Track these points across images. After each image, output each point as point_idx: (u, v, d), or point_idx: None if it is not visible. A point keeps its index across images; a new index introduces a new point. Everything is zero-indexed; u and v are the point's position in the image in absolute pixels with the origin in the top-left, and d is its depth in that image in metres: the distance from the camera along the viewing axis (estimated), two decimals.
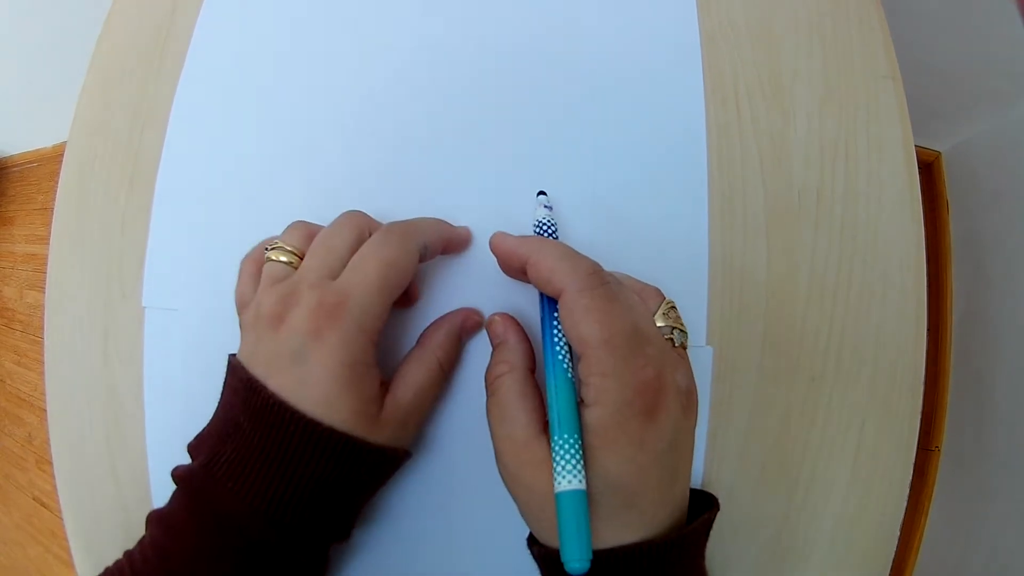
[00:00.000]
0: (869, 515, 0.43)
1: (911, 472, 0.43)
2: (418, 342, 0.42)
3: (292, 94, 0.53)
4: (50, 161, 2.15)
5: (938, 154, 1.33)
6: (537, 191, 0.45)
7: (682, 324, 0.36)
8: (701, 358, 0.43)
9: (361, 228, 0.40)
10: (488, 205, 0.46)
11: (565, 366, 0.34)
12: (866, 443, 0.43)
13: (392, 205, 0.47)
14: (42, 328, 0.53)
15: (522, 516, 0.35)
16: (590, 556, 0.29)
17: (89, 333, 0.51)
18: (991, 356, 1.15)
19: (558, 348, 0.35)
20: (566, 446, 0.31)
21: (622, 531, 0.32)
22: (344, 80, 0.52)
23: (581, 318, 0.32)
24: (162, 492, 0.46)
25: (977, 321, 1.21)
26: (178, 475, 0.36)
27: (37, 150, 2.18)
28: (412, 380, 0.39)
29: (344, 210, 0.42)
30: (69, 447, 0.50)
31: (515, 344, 0.38)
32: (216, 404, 0.39)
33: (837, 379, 0.44)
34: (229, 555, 0.34)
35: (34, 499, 1.89)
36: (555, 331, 0.35)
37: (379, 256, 0.37)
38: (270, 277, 0.39)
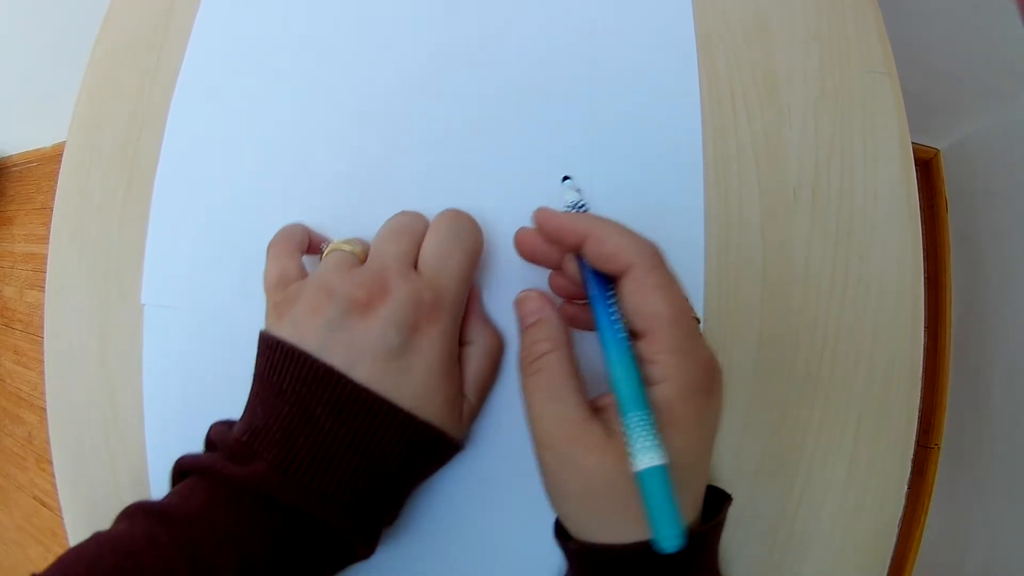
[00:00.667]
0: (867, 512, 0.43)
1: (909, 469, 0.43)
2: (480, 339, 0.41)
3: (290, 93, 0.53)
4: (49, 161, 2.15)
5: (937, 151, 1.33)
6: (562, 176, 0.45)
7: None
8: None
9: (426, 223, 0.40)
10: (485, 205, 0.46)
11: (629, 343, 0.33)
12: (863, 440, 0.43)
13: (389, 204, 0.47)
14: (42, 327, 0.53)
15: (559, 506, 0.34)
16: (684, 531, 0.28)
17: (88, 332, 0.51)
18: (991, 353, 1.15)
19: (617, 326, 0.33)
20: (642, 423, 0.30)
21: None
22: (342, 80, 0.52)
23: (652, 294, 0.32)
24: (161, 490, 0.46)
25: (976, 318, 1.21)
26: (236, 477, 0.33)
27: (36, 149, 2.18)
28: (481, 378, 0.40)
29: (342, 208, 0.42)
30: (69, 446, 0.50)
31: (557, 321, 0.36)
32: (223, 396, 0.38)
33: (834, 375, 0.44)
34: (289, 562, 0.33)
35: (34, 498, 1.89)
36: (611, 309, 0.34)
37: (462, 247, 0.38)
38: (341, 262, 0.38)
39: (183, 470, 0.36)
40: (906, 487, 0.43)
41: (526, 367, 0.35)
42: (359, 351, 0.34)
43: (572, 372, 0.34)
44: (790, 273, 0.45)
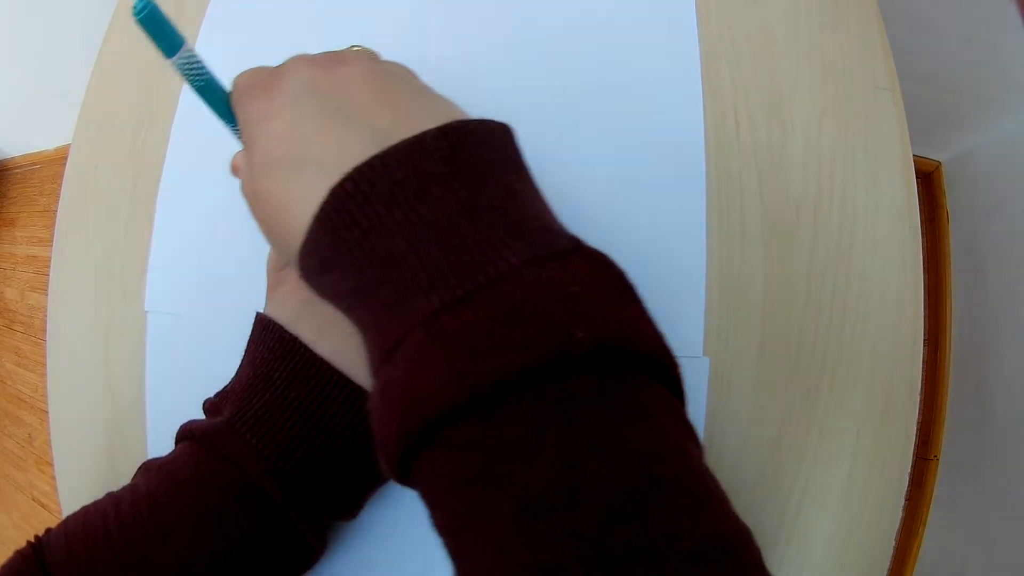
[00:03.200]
0: (864, 525, 0.43)
1: (906, 483, 0.43)
2: None
3: None
4: (52, 163, 2.15)
5: (938, 164, 1.33)
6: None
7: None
8: (697, 369, 0.43)
9: None
10: None
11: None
12: (862, 454, 0.43)
13: None
14: (43, 330, 0.53)
15: (272, 240, 0.30)
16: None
17: (91, 336, 0.52)
18: (990, 364, 1.15)
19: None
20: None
21: (310, 197, 0.25)
22: None
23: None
24: None
25: (976, 330, 1.21)
26: (191, 429, 0.36)
27: (39, 152, 2.18)
28: None
29: None
30: (70, 449, 0.50)
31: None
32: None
33: (833, 390, 0.44)
34: (231, 516, 0.33)
35: (33, 500, 1.89)
36: None
37: None
38: None
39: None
40: (903, 501, 0.43)
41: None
42: (328, 325, 0.35)
43: None
44: (791, 289, 0.45)
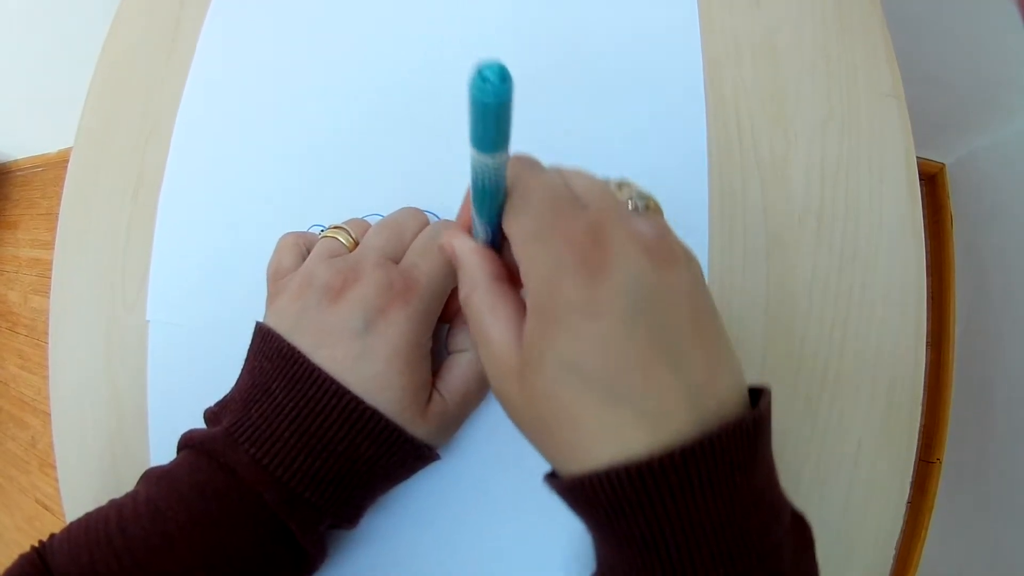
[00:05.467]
0: (866, 532, 0.43)
1: (908, 491, 0.43)
2: (464, 342, 0.40)
3: (297, 105, 0.53)
4: (55, 166, 2.16)
5: (942, 166, 1.33)
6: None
7: (640, 190, 0.32)
8: None
9: (422, 222, 0.40)
10: None
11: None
12: (863, 463, 0.43)
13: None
14: (46, 333, 0.53)
15: (533, 437, 0.30)
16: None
17: (93, 343, 0.52)
18: (994, 368, 1.15)
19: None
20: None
21: (619, 438, 0.25)
22: (350, 91, 0.52)
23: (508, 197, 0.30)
24: None
25: (980, 332, 1.21)
26: (191, 438, 0.36)
27: (42, 155, 2.19)
28: (463, 383, 0.38)
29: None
30: (73, 453, 0.51)
31: (472, 258, 0.32)
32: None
33: (835, 400, 0.43)
34: (230, 524, 0.33)
35: (36, 501, 1.90)
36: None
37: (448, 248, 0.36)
38: (326, 251, 0.39)
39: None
40: (904, 507, 0.43)
41: (462, 301, 0.32)
42: (325, 334, 0.35)
43: (496, 301, 0.30)
44: (793, 299, 0.45)
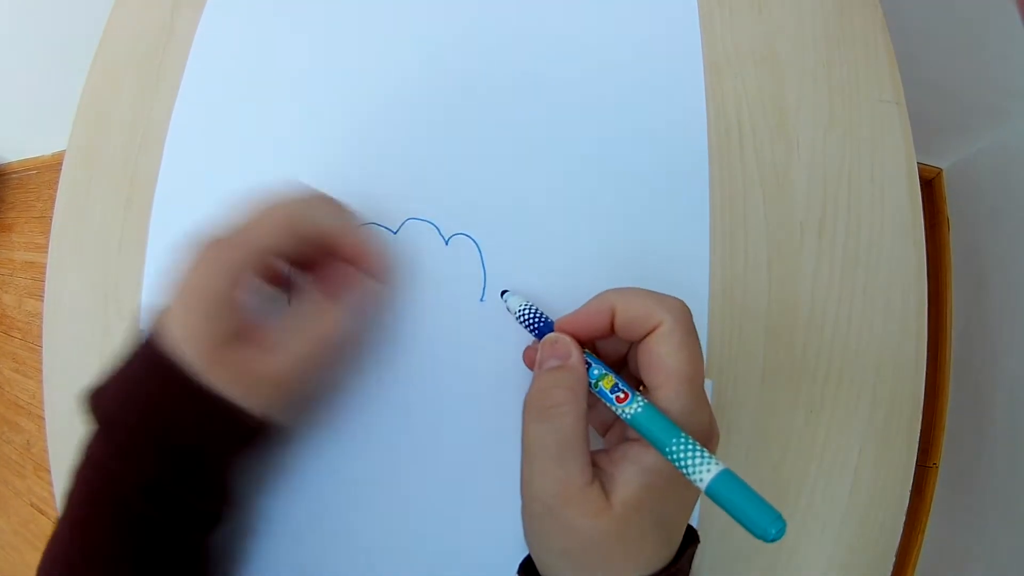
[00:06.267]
0: (866, 539, 0.43)
1: (908, 497, 0.43)
2: (317, 313, 0.40)
3: (290, 111, 0.53)
4: (49, 169, 2.15)
5: (939, 171, 1.33)
6: (500, 291, 0.44)
7: None
8: None
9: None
10: (484, 238, 0.46)
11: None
12: (864, 471, 0.43)
13: (394, 220, 0.47)
14: (40, 337, 0.53)
15: (540, 556, 0.34)
16: (778, 513, 0.28)
17: (86, 350, 0.51)
18: (990, 371, 1.15)
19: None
20: (689, 446, 0.29)
21: (654, 556, 0.32)
22: (343, 98, 0.52)
23: (676, 350, 0.32)
24: None
25: (977, 336, 1.21)
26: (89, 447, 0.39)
27: (37, 157, 2.18)
28: (294, 348, 0.38)
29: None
30: (68, 458, 0.50)
31: (583, 374, 0.34)
32: None
33: (836, 409, 0.43)
34: (123, 529, 0.36)
35: (31, 505, 1.89)
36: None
37: (282, 203, 0.38)
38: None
39: None
40: (904, 516, 0.43)
41: (536, 410, 0.33)
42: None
43: (582, 432, 0.32)
44: (795, 307, 0.44)
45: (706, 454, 0.29)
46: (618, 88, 0.48)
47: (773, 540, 0.27)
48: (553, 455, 0.32)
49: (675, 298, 0.34)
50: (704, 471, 0.29)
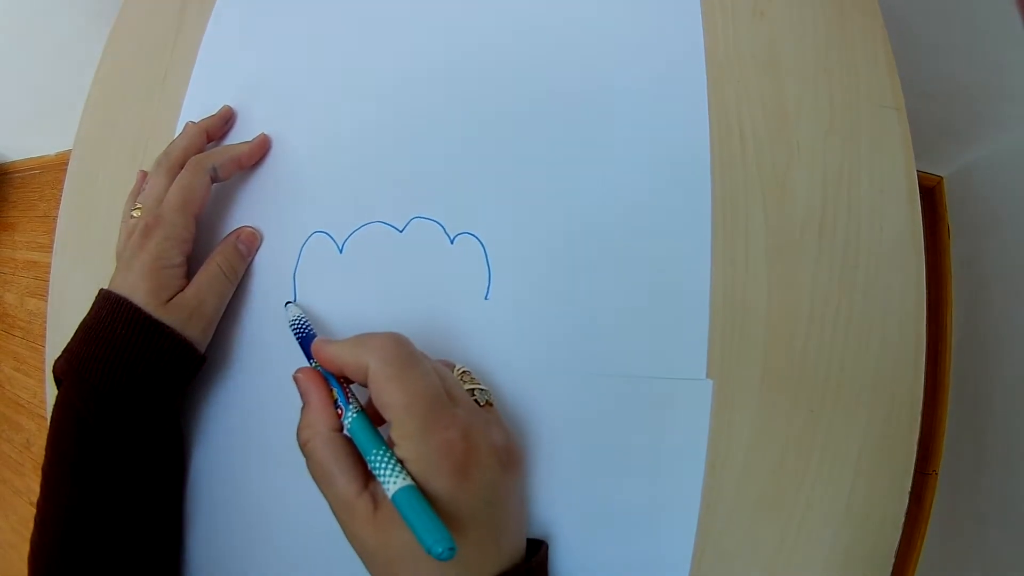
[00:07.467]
0: (865, 544, 0.43)
1: (906, 503, 0.43)
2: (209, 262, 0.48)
3: (298, 110, 0.53)
4: (53, 169, 2.15)
5: (940, 179, 1.33)
6: (284, 302, 0.49)
7: (479, 383, 0.41)
8: (701, 391, 0.43)
9: (173, 171, 0.49)
10: (489, 240, 0.47)
11: (355, 405, 0.37)
12: (862, 474, 0.43)
13: (399, 225, 0.48)
14: (42, 336, 0.53)
15: (376, 569, 0.36)
16: (449, 537, 0.30)
17: None
18: (990, 379, 1.15)
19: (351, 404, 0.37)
20: (383, 458, 0.33)
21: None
22: (351, 97, 0.52)
23: (385, 387, 0.35)
24: None
25: (976, 344, 1.21)
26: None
27: (40, 157, 2.19)
28: (197, 280, 0.47)
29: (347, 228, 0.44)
30: None
31: (318, 404, 0.38)
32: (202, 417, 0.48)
33: (835, 411, 0.44)
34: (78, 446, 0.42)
35: (31, 504, 1.89)
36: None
37: (179, 184, 0.47)
38: (127, 229, 0.48)
39: None
40: (903, 518, 0.43)
41: (300, 445, 0.38)
42: (117, 271, 0.46)
43: (337, 453, 0.36)
44: (795, 310, 0.45)
45: (398, 468, 0.33)
46: (623, 91, 0.49)
47: (439, 557, 0.29)
48: (322, 483, 0.36)
49: (381, 336, 0.37)
50: (391, 483, 0.32)
